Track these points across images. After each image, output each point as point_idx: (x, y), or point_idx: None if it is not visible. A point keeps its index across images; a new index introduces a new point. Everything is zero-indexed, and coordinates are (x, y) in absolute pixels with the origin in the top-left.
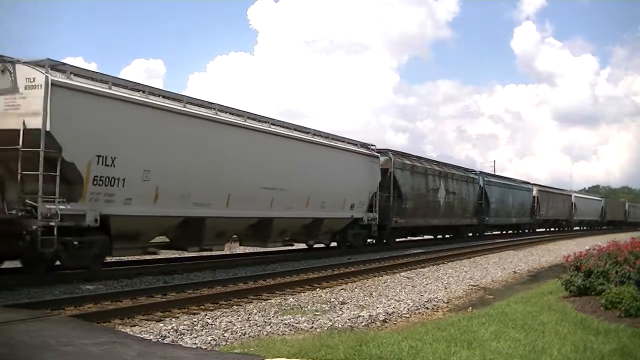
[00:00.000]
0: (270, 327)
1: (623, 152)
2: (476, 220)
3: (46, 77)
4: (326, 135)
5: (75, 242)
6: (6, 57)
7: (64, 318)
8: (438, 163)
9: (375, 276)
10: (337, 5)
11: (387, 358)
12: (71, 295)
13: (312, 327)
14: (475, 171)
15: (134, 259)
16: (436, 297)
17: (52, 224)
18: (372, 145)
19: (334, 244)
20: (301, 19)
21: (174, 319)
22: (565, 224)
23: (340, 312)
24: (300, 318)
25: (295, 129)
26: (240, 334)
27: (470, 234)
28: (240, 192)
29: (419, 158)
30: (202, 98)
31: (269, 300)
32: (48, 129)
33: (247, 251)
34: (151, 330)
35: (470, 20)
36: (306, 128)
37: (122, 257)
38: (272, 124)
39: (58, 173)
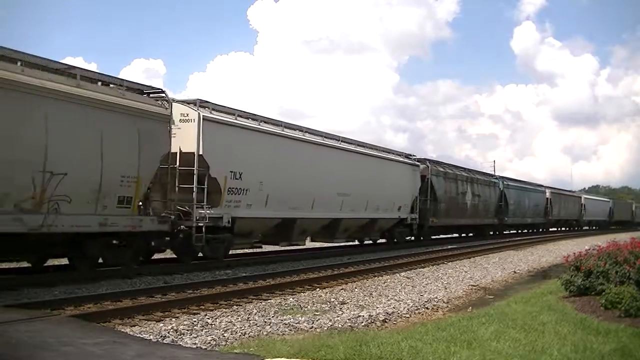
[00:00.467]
0: (270, 327)
1: (623, 152)
2: (496, 220)
3: (198, 113)
4: (379, 148)
5: (214, 239)
6: (165, 96)
7: (64, 318)
8: (465, 169)
9: (375, 276)
10: (337, 5)
11: (387, 358)
12: (71, 295)
13: (312, 327)
14: (496, 176)
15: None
16: (436, 297)
17: (201, 224)
18: (414, 155)
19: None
20: (301, 18)
21: (173, 319)
22: (576, 224)
23: (340, 312)
24: (300, 318)
25: (357, 145)
26: (240, 334)
27: (492, 233)
28: (322, 197)
29: (450, 165)
30: (292, 122)
31: (269, 300)
32: (200, 152)
33: (246, 251)
34: (151, 330)
35: (470, 20)
36: (363, 142)
37: None
38: (341, 141)
39: (206, 186)
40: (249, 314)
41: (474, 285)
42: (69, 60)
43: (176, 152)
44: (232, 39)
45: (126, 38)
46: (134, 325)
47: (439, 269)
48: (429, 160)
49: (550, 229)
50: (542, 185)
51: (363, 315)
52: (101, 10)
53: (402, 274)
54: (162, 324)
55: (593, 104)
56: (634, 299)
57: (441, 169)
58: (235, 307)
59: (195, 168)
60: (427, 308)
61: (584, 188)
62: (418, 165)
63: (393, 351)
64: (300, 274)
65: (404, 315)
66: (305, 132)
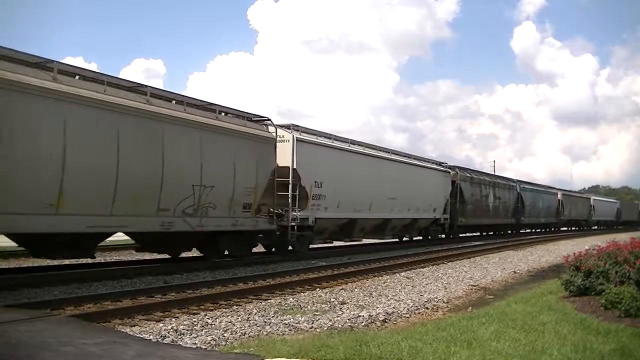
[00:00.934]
0: (270, 327)
1: (623, 152)
2: (514, 220)
3: (292, 135)
4: (419, 158)
5: (301, 235)
6: (271, 122)
7: (63, 318)
8: (487, 174)
9: (375, 276)
10: (337, 5)
11: (387, 358)
12: (71, 295)
13: (312, 327)
14: (513, 180)
15: (133, 259)
16: (436, 297)
17: (293, 224)
18: (445, 163)
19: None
20: (301, 18)
21: (173, 319)
22: (585, 224)
23: (340, 312)
24: (300, 318)
25: (403, 156)
26: (240, 334)
27: (510, 231)
28: (377, 201)
29: (475, 171)
30: (351, 138)
31: (269, 300)
32: (295, 167)
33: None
34: (151, 330)
35: (470, 20)
36: (407, 154)
37: (122, 257)
38: (392, 153)
39: (297, 193)
40: (249, 314)
41: (474, 285)
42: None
43: (274, 167)
44: (232, 39)
45: (126, 38)
46: (134, 325)
47: (439, 269)
48: (457, 167)
49: (562, 228)
50: (554, 188)
51: (363, 315)
52: (101, 10)
53: (402, 274)
54: (162, 324)
55: (593, 104)
56: (633, 299)
57: (468, 175)
58: (235, 307)
59: (290, 179)
60: (427, 308)
61: (584, 188)
62: (449, 172)
63: (393, 351)
64: (300, 274)
65: (403, 315)
66: (365, 147)
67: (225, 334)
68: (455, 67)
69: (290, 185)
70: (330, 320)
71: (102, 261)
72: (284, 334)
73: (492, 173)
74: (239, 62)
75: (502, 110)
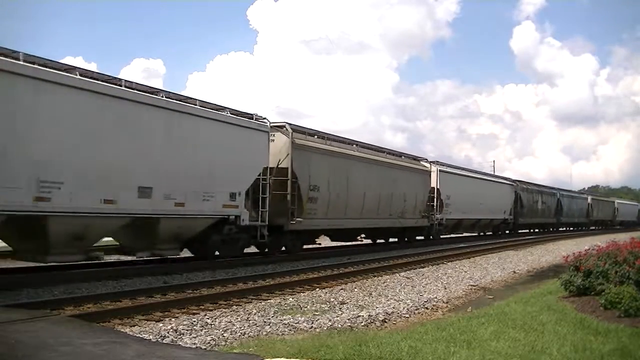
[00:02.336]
0: (270, 327)
1: (622, 152)
2: (555, 220)
3: (437, 168)
4: (492, 175)
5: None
6: (422, 161)
7: (63, 318)
8: (537, 185)
9: (374, 276)
10: (336, 5)
11: (386, 358)
12: (70, 295)
13: (312, 327)
14: (554, 188)
15: (133, 259)
16: (436, 297)
17: (436, 222)
18: (509, 178)
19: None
20: (301, 18)
21: (173, 319)
22: (610, 224)
23: (340, 312)
24: (299, 318)
25: (484, 174)
26: (239, 334)
27: (551, 229)
28: (476, 207)
29: (530, 183)
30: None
31: (269, 300)
32: (438, 187)
33: (247, 251)
34: (150, 330)
35: (470, 20)
36: (488, 173)
37: (121, 257)
38: (483, 174)
39: (438, 202)
40: (249, 314)
41: (474, 285)
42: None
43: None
44: (232, 39)
45: (126, 38)
46: (134, 325)
47: (439, 269)
48: (519, 180)
49: (591, 227)
50: (584, 193)
51: (363, 315)
52: (101, 10)
53: (402, 274)
54: (161, 324)
55: (593, 103)
56: (633, 299)
57: (525, 186)
58: (234, 307)
59: (435, 195)
60: (426, 308)
61: (584, 188)
62: (513, 185)
63: (392, 351)
64: (299, 274)
65: (403, 315)
66: (476, 173)
67: (224, 334)
68: (455, 66)
69: (435, 198)
70: (330, 320)
71: (102, 261)
72: (283, 334)
73: (539, 184)
74: (239, 62)
75: (501, 110)
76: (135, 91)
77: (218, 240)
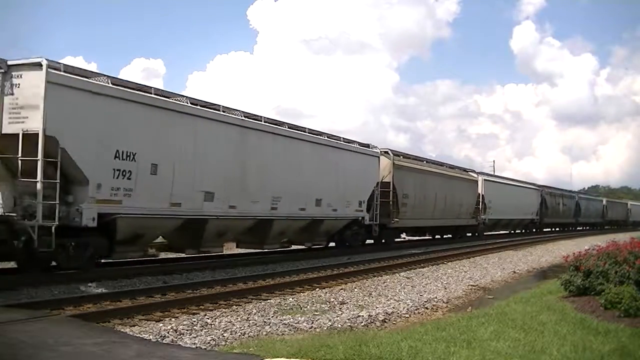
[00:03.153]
0: (270, 327)
1: (622, 151)
2: (574, 220)
3: (481, 178)
4: (519, 181)
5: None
6: (471, 172)
7: (63, 318)
8: (558, 189)
9: (374, 276)
10: (336, 5)
11: (386, 358)
12: (70, 295)
13: (312, 327)
14: (574, 191)
15: (133, 259)
16: (435, 297)
17: (480, 221)
18: (535, 183)
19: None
20: (301, 18)
21: (173, 319)
22: (623, 223)
23: (340, 312)
24: (299, 318)
25: (516, 181)
26: (239, 334)
27: (571, 228)
28: (508, 210)
29: (553, 187)
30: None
31: (269, 300)
32: (483, 193)
33: (248, 251)
34: (150, 330)
35: (470, 20)
36: (514, 179)
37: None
38: (510, 179)
39: (481, 205)
40: (249, 314)
41: (474, 285)
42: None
43: None
44: (232, 38)
45: (126, 38)
46: (134, 325)
47: (439, 269)
48: (544, 186)
49: (605, 227)
50: (599, 196)
51: (362, 315)
52: (101, 9)
53: (402, 274)
54: (161, 324)
55: (593, 103)
56: (633, 299)
57: (549, 190)
58: (234, 307)
59: (480, 201)
60: (426, 308)
61: (584, 188)
62: (539, 190)
63: (392, 351)
64: (299, 274)
65: (403, 315)
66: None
67: (224, 334)
68: (455, 66)
69: (480, 202)
70: (330, 320)
71: (102, 261)
72: (283, 333)
73: (561, 188)
74: (239, 62)
75: (501, 110)
76: (324, 137)
77: (349, 234)
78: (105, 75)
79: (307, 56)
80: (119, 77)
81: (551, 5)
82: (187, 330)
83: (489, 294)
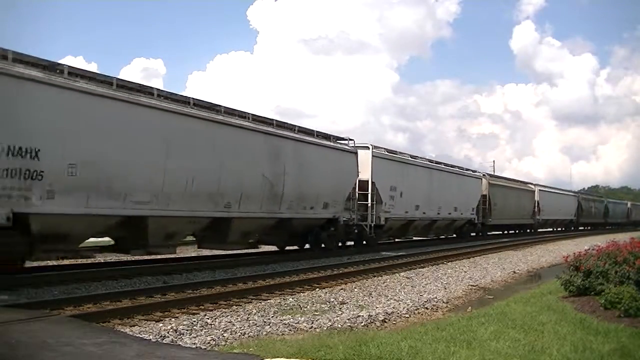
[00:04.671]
0: (270, 327)
1: (622, 152)
2: (603, 220)
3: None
4: (558, 188)
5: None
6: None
7: (63, 318)
8: (590, 194)
9: (374, 276)
10: (336, 5)
11: (386, 358)
12: (70, 296)
13: (312, 327)
14: (603, 197)
15: (133, 259)
16: (435, 297)
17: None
18: (572, 190)
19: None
20: (300, 18)
21: (173, 319)
22: None
23: (340, 312)
24: (299, 318)
25: (557, 189)
26: (239, 334)
27: (600, 227)
28: (551, 209)
29: (586, 192)
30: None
31: (269, 300)
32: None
33: (248, 251)
34: (150, 330)
35: (470, 20)
36: (556, 187)
37: (121, 257)
38: (550, 187)
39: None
40: (249, 314)
41: (474, 285)
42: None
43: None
44: (232, 38)
45: (126, 38)
46: (134, 325)
47: (439, 269)
48: (580, 192)
49: (629, 226)
50: (624, 200)
51: (362, 315)
52: (101, 10)
53: (402, 274)
54: (161, 324)
55: (592, 103)
56: (633, 299)
57: (583, 196)
58: (234, 307)
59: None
60: (426, 308)
61: (583, 188)
62: (577, 196)
63: (392, 351)
64: (299, 274)
65: (403, 315)
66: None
67: (224, 334)
68: (455, 66)
69: (536, 206)
70: (330, 320)
71: (102, 261)
72: (283, 334)
73: (594, 193)
74: (239, 62)
75: (501, 110)
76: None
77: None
78: None
79: (307, 56)
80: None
81: (551, 5)
82: (187, 330)
83: (489, 294)
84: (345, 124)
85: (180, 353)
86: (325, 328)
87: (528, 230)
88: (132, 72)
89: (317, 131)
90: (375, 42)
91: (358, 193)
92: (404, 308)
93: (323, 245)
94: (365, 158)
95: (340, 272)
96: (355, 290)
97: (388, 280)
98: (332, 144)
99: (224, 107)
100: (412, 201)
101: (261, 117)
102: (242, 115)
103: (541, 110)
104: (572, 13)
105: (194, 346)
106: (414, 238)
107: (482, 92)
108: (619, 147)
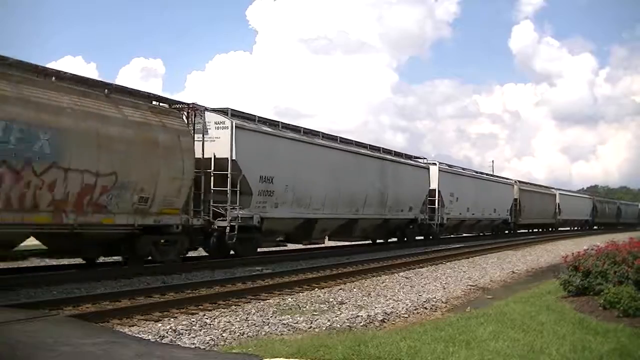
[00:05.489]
0: (269, 327)
1: (621, 151)
2: (616, 221)
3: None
4: (574, 191)
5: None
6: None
7: (62, 318)
8: (605, 197)
9: (373, 276)
10: (335, 5)
11: (385, 358)
12: (69, 295)
13: (311, 327)
14: (615, 199)
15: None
16: (434, 297)
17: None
18: (588, 193)
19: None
20: (300, 18)
21: (172, 319)
22: None
23: (339, 312)
24: (298, 318)
25: (569, 191)
26: (238, 334)
27: (613, 227)
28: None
29: (601, 195)
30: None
31: (268, 301)
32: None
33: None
34: (150, 330)
35: (469, 20)
36: (572, 191)
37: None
38: (561, 189)
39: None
40: (248, 314)
41: (473, 285)
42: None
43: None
44: (232, 38)
45: (125, 37)
46: (133, 325)
47: (438, 269)
48: (595, 194)
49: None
50: (636, 201)
51: (361, 315)
52: (101, 10)
53: (401, 274)
54: (160, 324)
55: (592, 103)
56: (632, 299)
57: (598, 198)
58: (233, 307)
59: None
60: (425, 308)
61: (583, 188)
62: (592, 198)
63: (391, 351)
64: (298, 274)
65: (402, 315)
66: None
67: (223, 334)
68: (455, 66)
69: (557, 209)
70: (329, 320)
71: (101, 261)
72: (282, 334)
73: (606, 196)
74: (238, 62)
75: (501, 109)
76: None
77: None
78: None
79: (307, 56)
80: (118, 76)
81: (550, 5)
82: (186, 330)
83: (488, 294)
84: (344, 124)
85: (179, 353)
86: (324, 328)
87: (550, 229)
88: (131, 72)
89: (404, 153)
90: (374, 42)
91: (428, 199)
92: (403, 308)
93: (405, 239)
94: (433, 172)
95: (339, 272)
96: (354, 290)
97: (387, 280)
98: (414, 162)
99: (355, 141)
100: (464, 205)
101: (374, 146)
102: (363, 145)
103: (540, 110)
104: (571, 13)
105: (193, 346)
106: (463, 235)
107: (482, 92)
108: (618, 147)
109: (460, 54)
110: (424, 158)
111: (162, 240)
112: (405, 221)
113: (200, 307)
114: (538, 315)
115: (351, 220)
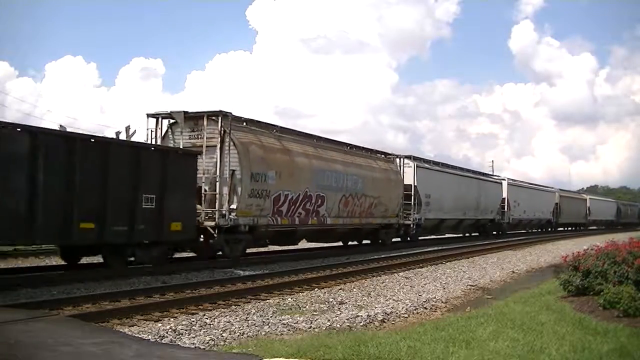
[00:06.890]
0: (269, 327)
1: (621, 151)
2: (637, 220)
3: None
4: (596, 194)
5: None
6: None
7: (62, 318)
8: (628, 202)
9: (373, 276)
10: (335, 4)
11: (385, 358)
12: (69, 295)
13: (311, 327)
14: (636, 203)
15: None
16: (434, 297)
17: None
18: (612, 197)
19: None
20: (300, 18)
21: (172, 319)
22: None
23: (339, 312)
24: (298, 318)
25: (591, 192)
26: (238, 334)
27: (638, 225)
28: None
29: (623, 200)
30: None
31: (267, 301)
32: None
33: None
34: (149, 330)
35: (469, 20)
36: (595, 193)
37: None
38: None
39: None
40: (248, 314)
41: (473, 285)
42: (69, 59)
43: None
44: (232, 38)
45: (125, 37)
46: (133, 325)
47: (438, 269)
48: (619, 200)
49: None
50: None
51: (361, 315)
52: (100, 9)
53: (401, 274)
54: (160, 324)
55: (592, 103)
56: (632, 299)
57: (621, 202)
58: (233, 307)
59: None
60: (425, 308)
61: (582, 188)
62: (616, 202)
63: (391, 351)
64: (298, 274)
65: (402, 315)
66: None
67: (223, 334)
68: (454, 66)
69: (587, 211)
70: (329, 320)
71: (101, 261)
72: (282, 334)
73: (631, 200)
74: (238, 61)
75: (500, 109)
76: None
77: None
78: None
79: (306, 56)
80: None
81: (550, 5)
82: (186, 330)
83: (488, 294)
84: (344, 124)
85: (179, 353)
86: (324, 328)
87: (580, 228)
88: (131, 71)
89: (485, 173)
90: (374, 42)
91: (499, 205)
92: (402, 308)
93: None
94: (504, 185)
95: (339, 272)
96: (354, 290)
97: (387, 280)
98: (490, 179)
99: (459, 167)
100: (522, 209)
101: (469, 169)
102: (466, 169)
103: (540, 110)
104: (571, 13)
105: (192, 346)
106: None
107: (481, 91)
108: (618, 147)
109: (460, 54)
110: (498, 175)
111: (387, 231)
112: (486, 220)
113: (200, 307)
114: (538, 315)
115: (459, 220)
